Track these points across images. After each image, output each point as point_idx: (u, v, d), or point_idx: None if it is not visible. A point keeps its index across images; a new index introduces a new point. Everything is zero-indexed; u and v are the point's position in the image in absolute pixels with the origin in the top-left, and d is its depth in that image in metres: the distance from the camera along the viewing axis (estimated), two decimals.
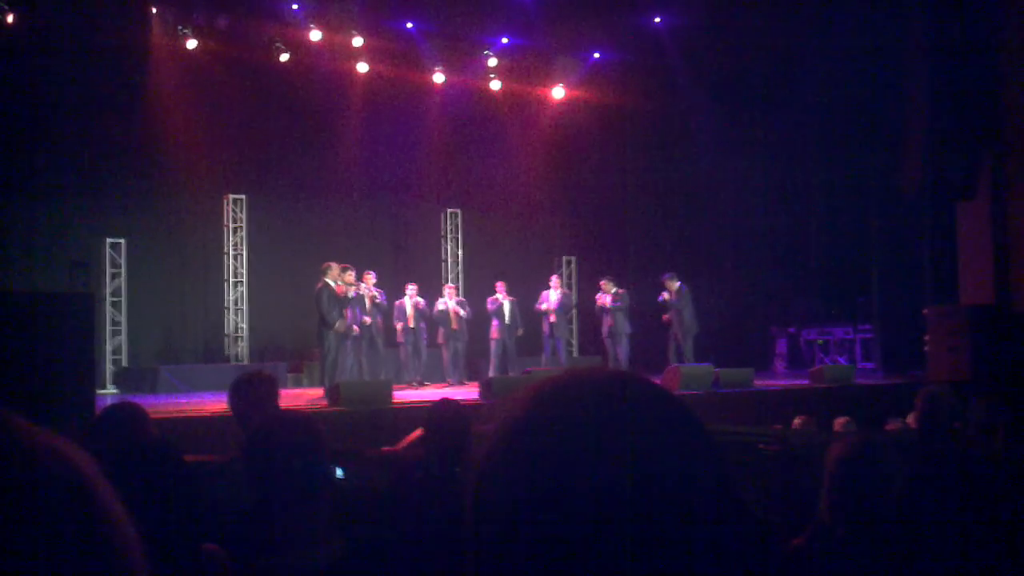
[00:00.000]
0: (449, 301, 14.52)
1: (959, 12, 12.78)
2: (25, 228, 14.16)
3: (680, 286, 14.60)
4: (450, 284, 15.67)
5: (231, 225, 16.14)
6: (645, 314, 15.25)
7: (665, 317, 14.64)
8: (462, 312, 14.46)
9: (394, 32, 16.78)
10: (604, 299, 14.69)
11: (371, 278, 13.42)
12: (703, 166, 18.13)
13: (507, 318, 14.54)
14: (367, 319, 13.04)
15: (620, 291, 14.70)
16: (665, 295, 14.60)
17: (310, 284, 12.92)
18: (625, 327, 14.62)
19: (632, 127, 19.02)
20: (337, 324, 12.03)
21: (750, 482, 4.84)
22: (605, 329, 14.78)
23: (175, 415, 9.19)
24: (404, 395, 11.95)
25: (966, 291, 13.50)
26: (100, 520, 0.68)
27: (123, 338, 14.97)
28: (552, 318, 14.80)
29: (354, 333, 12.64)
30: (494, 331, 14.62)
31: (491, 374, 13.83)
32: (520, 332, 14.71)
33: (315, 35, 15.82)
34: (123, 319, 14.96)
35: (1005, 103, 12.88)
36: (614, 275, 15.20)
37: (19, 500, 0.65)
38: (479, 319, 14.97)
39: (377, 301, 13.39)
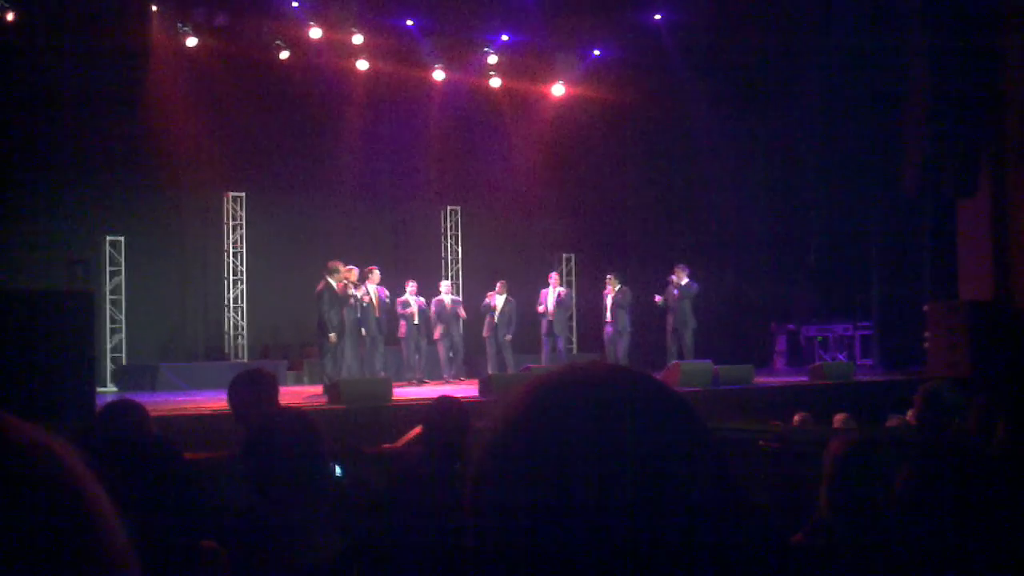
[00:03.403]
0: (446, 296, 14.59)
1: (958, 9, 12.77)
2: (24, 225, 14.12)
3: (689, 282, 14.59)
4: (446, 280, 15.72)
5: (231, 223, 16.13)
6: (643, 311, 15.23)
7: (658, 299, 14.60)
8: (461, 311, 14.56)
9: (394, 29, 16.76)
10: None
11: (376, 274, 13.44)
12: (703, 163, 18.12)
13: (497, 316, 14.58)
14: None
15: (624, 288, 14.70)
16: (670, 292, 14.54)
17: (310, 282, 12.92)
18: (626, 324, 14.60)
19: (632, 124, 19.00)
20: (331, 336, 12.02)
21: (750, 478, 4.84)
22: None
23: (175, 413, 9.17)
24: (404, 392, 11.95)
25: (966, 287, 13.50)
26: (88, 520, 0.67)
27: (123, 336, 14.96)
28: (551, 315, 14.81)
29: (361, 335, 12.76)
30: (486, 329, 14.70)
31: (489, 372, 13.84)
32: (509, 337, 14.66)
33: (315, 32, 15.79)
34: (123, 317, 14.95)
35: (1005, 99, 12.87)
36: (615, 271, 15.17)
37: (5, 499, 0.64)
38: (474, 316, 15.03)
39: (386, 299, 13.52)
